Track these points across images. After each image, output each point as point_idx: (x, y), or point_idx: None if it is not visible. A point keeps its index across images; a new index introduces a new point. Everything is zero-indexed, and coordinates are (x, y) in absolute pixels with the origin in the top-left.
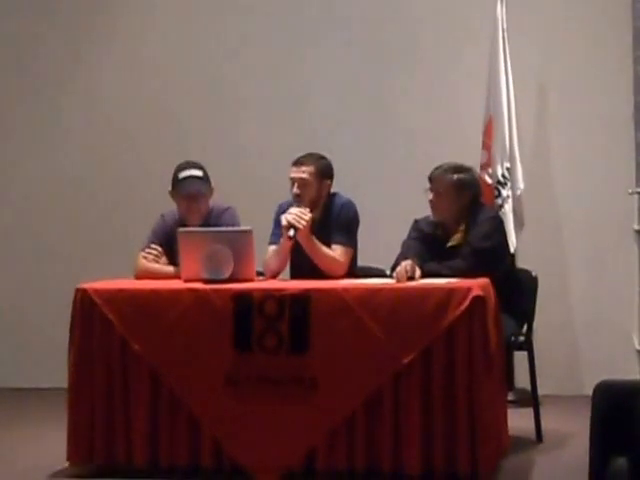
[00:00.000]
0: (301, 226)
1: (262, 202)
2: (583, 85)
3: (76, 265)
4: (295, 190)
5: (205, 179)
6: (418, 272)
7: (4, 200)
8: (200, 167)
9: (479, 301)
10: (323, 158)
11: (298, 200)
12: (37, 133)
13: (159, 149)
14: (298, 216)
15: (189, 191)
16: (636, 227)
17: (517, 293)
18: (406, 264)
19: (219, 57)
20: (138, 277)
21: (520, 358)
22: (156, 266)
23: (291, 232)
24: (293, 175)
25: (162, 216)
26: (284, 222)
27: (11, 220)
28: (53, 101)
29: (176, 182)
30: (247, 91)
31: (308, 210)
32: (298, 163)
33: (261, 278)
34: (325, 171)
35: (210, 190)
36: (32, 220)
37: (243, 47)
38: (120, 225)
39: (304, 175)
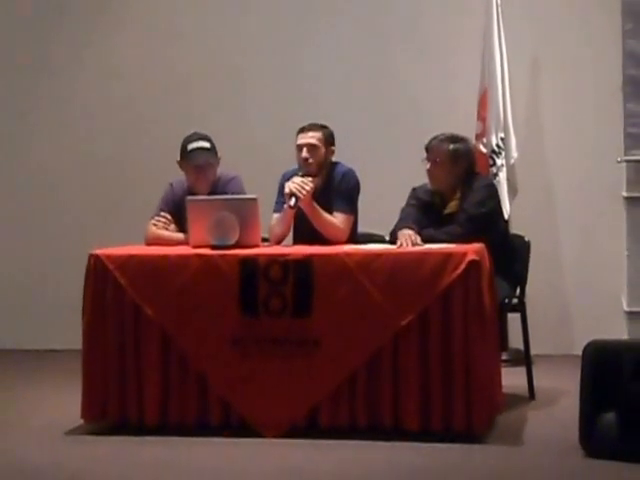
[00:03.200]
0: (302, 195)
1: (267, 171)
2: (574, 58)
3: (89, 232)
4: (304, 154)
5: (212, 150)
6: (419, 240)
7: (20, 171)
8: (207, 138)
9: (474, 265)
10: (326, 127)
11: (306, 165)
12: (53, 107)
13: (167, 121)
14: (300, 185)
15: (197, 162)
16: (624, 194)
17: (511, 257)
18: (410, 234)
19: (223, 28)
20: (148, 244)
21: (513, 319)
22: (166, 233)
23: (292, 201)
24: (301, 141)
25: (171, 185)
26: (287, 191)
27: (27, 189)
28: (68, 77)
29: (185, 153)
30: (251, 62)
31: (310, 179)
32: (305, 130)
33: (266, 244)
34: (330, 138)
35: (217, 160)
36: (47, 190)
37: (246, 18)
38: (131, 193)
39: (313, 140)
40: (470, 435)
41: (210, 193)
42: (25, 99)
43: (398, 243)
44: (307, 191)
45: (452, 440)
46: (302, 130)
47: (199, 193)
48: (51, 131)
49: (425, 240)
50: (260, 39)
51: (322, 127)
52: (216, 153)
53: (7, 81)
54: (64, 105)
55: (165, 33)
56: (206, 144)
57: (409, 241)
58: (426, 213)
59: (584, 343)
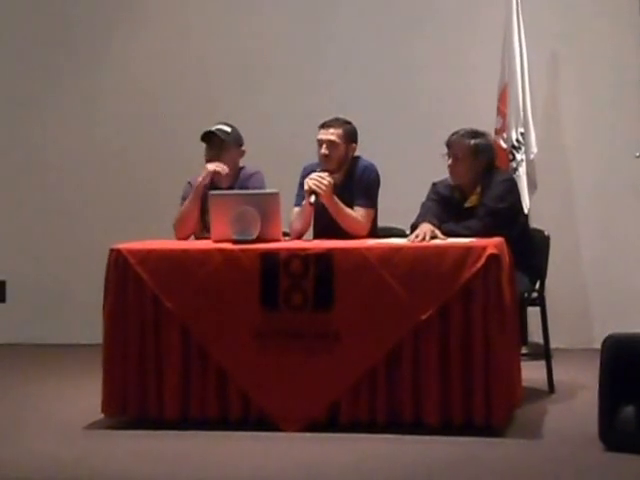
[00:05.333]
0: (321, 192)
1: (287, 164)
2: (594, 53)
3: (109, 227)
4: (323, 151)
5: (231, 135)
6: (440, 234)
7: (40, 167)
8: (231, 125)
9: (494, 259)
10: (349, 123)
11: (325, 161)
12: (73, 102)
13: (187, 116)
14: (318, 181)
15: (212, 139)
16: None
17: (530, 251)
18: (431, 229)
19: (247, 25)
20: (179, 228)
21: (533, 313)
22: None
23: (312, 198)
24: (321, 137)
25: (189, 183)
26: (306, 187)
27: (50, 188)
28: (91, 75)
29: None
30: (271, 55)
31: (327, 174)
32: (326, 126)
33: (287, 238)
34: (351, 135)
35: (237, 145)
36: (70, 188)
37: (269, 14)
38: (150, 190)
39: (332, 137)
40: (490, 429)
41: (230, 187)
42: (48, 97)
43: (414, 234)
44: (326, 186)
45: (472, 434)
46: (323, 125)
47: (216, 174)
48: (72, 130)
49: (445, 234)
50: (279, 32)
51: (344, 123)
52: (238, 139)
53: (33, 78)
54: (84, 101)
55: (183, 29)
56: (226, 128)
57: (427, 234)
58: (446, 208)
59: (603, 337)
